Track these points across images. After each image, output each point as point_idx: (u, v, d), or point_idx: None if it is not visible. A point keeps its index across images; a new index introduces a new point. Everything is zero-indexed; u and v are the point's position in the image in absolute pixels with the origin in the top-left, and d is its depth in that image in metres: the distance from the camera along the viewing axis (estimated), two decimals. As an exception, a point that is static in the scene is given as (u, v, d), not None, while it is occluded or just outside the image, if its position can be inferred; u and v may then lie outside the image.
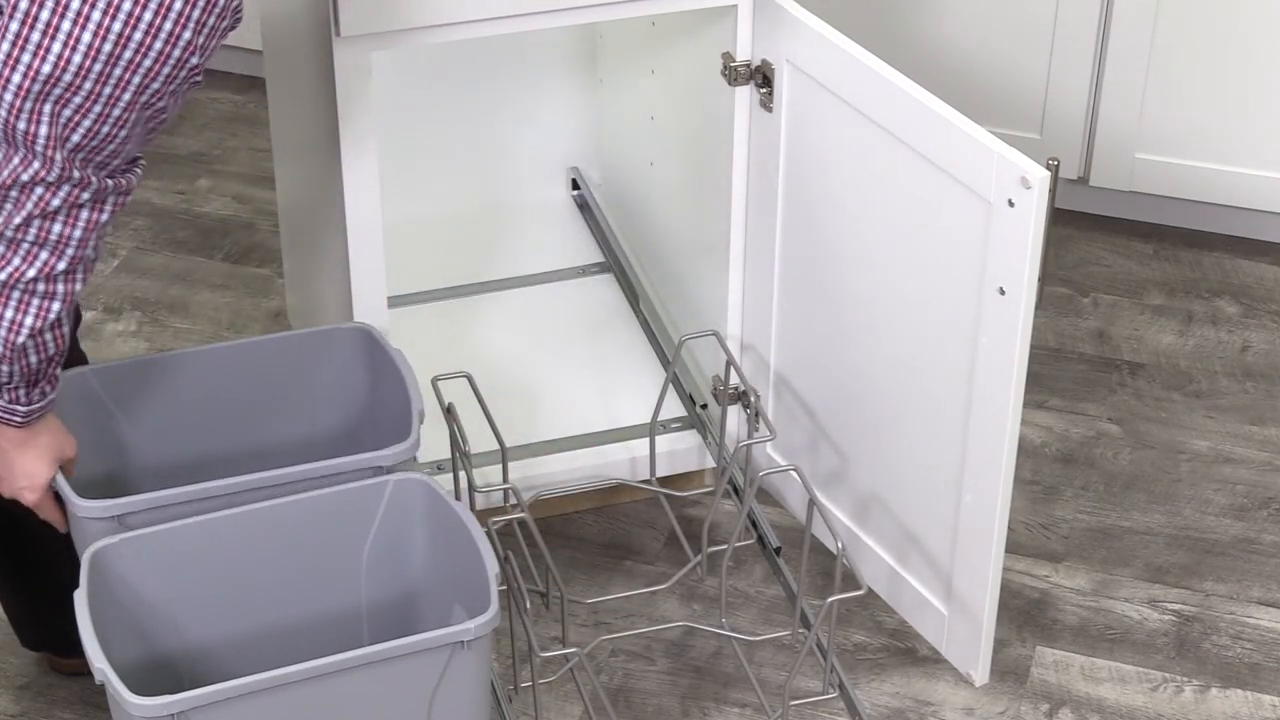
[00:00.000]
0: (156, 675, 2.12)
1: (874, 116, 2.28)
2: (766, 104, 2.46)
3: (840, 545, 2.28)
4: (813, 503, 2.35)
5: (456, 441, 2.38)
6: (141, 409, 2.31)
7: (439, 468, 2.67)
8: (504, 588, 2.21)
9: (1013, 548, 2.70)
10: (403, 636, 2.00)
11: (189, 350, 2.35)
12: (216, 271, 3.28)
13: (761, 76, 2.45)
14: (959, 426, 2.33)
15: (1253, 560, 2.71)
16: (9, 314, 1.93)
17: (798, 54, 2.37)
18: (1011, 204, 2.12)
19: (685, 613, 2.60)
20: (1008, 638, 2.58)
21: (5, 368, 1.97)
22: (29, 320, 1.93)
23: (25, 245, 1.89)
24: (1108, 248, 3.33)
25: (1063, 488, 2.83)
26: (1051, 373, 3.05)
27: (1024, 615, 2.62)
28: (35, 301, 1.92)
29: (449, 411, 2.40)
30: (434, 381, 2.47)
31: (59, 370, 2.04)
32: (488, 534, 2.15)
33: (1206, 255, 3.31)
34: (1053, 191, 2.11)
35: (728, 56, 2.47)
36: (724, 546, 2.50)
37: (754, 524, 2.61)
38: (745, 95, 2.49)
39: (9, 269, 1.90)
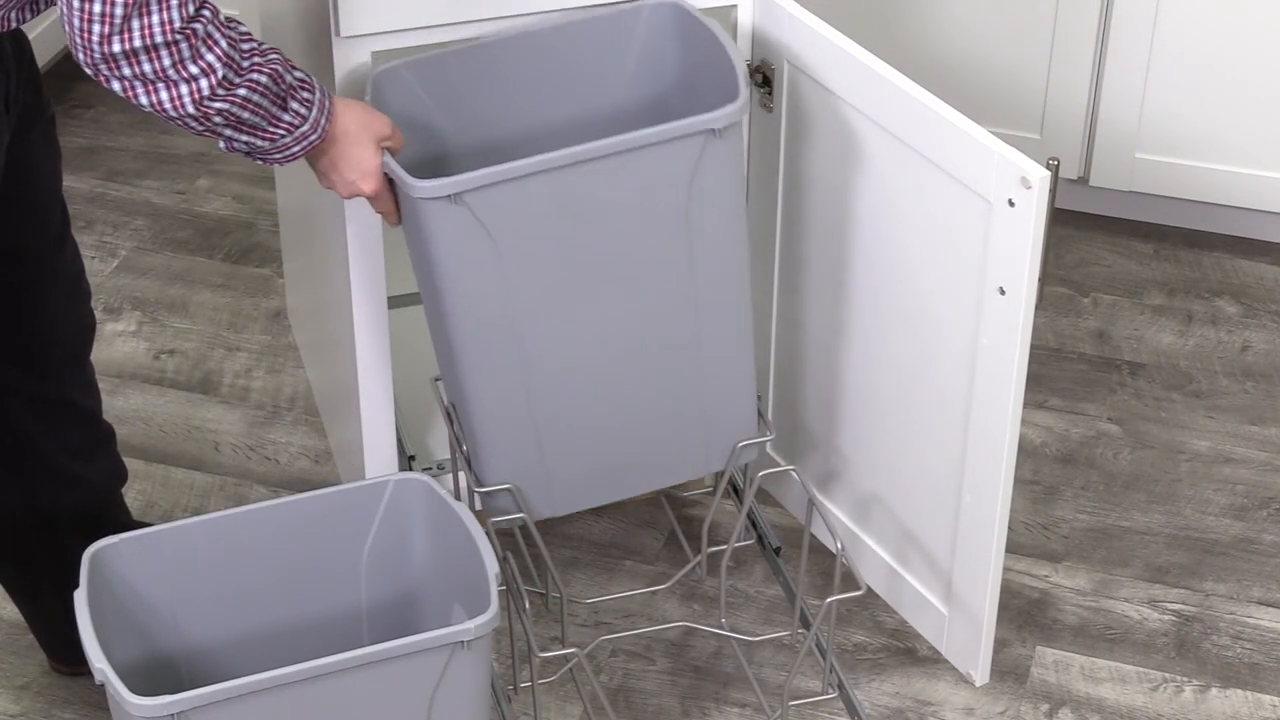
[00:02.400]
0: (156, 675, 2.12)
1: (874, 116, 2.28)
2: (766, 104, 2.46)
3: (839, 545, 2.28)
4: (812, 502, 2.35)
5: (456, 441, 2.37)
6: (455, 98, 2.34)
7: (439, 467, 2.67)
8: (504, 588, 2.21)
9: (1013, 548, 2.70)
10: (403, 637, 2.00)
11: (491, 40, 2.32)
12: (216, 271, 3.28)
13: (761, 76, 2.45)
14: (959, 426, 2.33)
15: (1253, 560, 2.71)
16: (202, 62, 1.93)
17: (798, 54, 2.37)
18: (1012, 204, 2.12)
19: (685, 613, 2.60)
20: (1008, 638, 2.58)
21: (247, 114, 1.98)
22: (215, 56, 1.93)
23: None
24: (1108, 248, 3.33)
25: (1063, 488, 2.83)
26: (1051, 373, 3.05)
27: (1024, 615, 2.62)
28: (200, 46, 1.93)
29: (449, 412, 2.39)
30: (434, 382, 2.47)
31: (297, 75, 2.03)
32: (487, 534, 2.15)
33: (1206, 255, 3.31)
34: (1053, 191, 2.11)
35: (728, 56, 2.47)
36: (724, 546, 2.50)
37: (754, 524, 2.61)
38: (745, 95, 2.48)
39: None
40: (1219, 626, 2.60)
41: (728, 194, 2.19)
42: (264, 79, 1.98)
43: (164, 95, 1.92)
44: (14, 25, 1.98)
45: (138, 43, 1.87)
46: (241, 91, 1.96)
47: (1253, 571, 2.69)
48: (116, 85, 1.91)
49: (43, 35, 3.44)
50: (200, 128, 1.98)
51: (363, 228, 2.39)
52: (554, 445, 2.29)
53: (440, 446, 2.73)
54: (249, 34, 1.99)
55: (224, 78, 1.93)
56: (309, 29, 2.42)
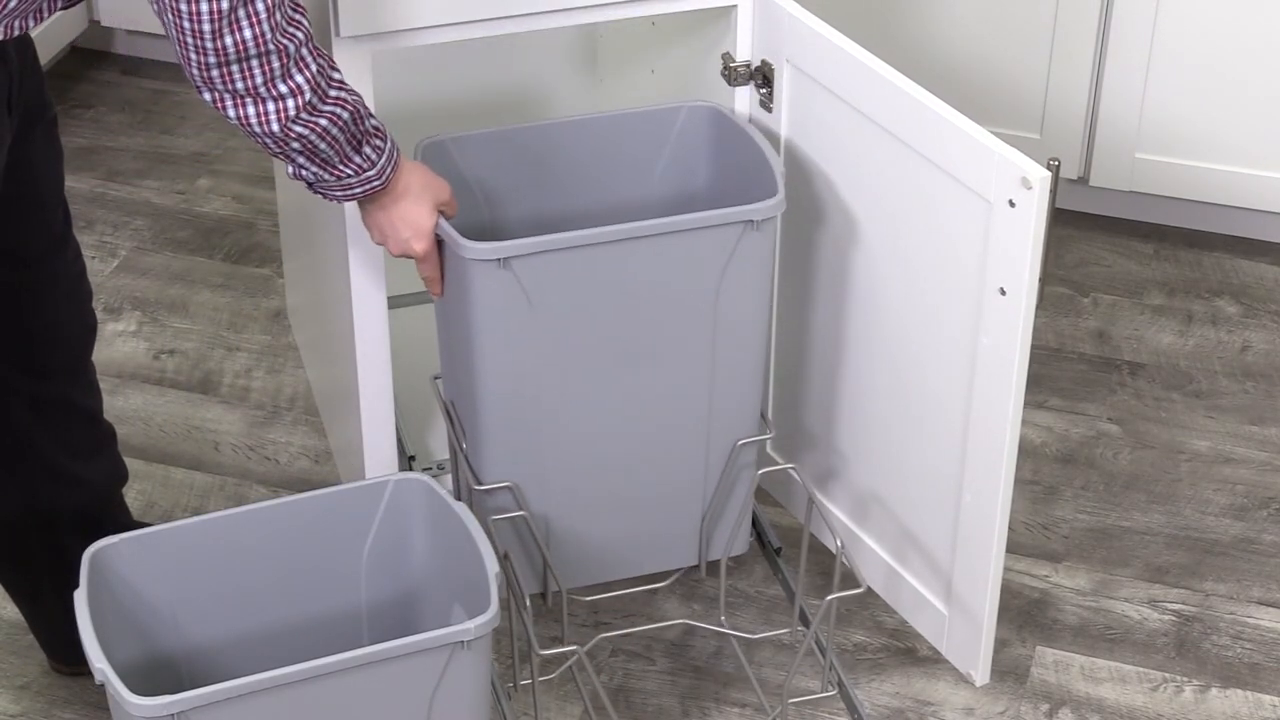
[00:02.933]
0: (157, 675, 2.12)
1: (874, 116, 2.28)
2: (766, 104, 2.46)
3: (839, 543, 2.28)
4: (811, 501, 2.35)
5: (456, 441, 2.38)
6: (493, 177, 2.45)
7: (439, 467, 2.67)
8: (505, 595, 2.21)
9: (1013, 548, 2.70)
10: (402, 637, 2.00)
11: (535, 125, 2.45)
12: (216, 271, 3.28)
13: (761, 76, 2.45)
14: (959, 426, 2.33)
15: (1253, 560, 2.71)
16: (284, 90, 1.97)
17: (798, 54, 2.37)
18: (1012, 204, 2.12)
19: (685, 612, 2.60)
20: (1008, 638, 2.58)
21: (324, 145, 2.03)
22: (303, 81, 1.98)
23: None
24: (1108, 248, 3.33)
25: (1063, 488, 2.83)
26: (1051, 373, 3.05)
27: (1024, 615, 2.62)
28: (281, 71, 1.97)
29: (449, 411, 2.40)
30: (434, 380, 2.47)
31: (373, 122, 2.09)
32: (487, 533, 2.15)
33: (1206, 255, 3.31)
34: (1053, 192, 2.10)
35: (728, 56, 2.47)
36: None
37: (754, 524, 2.61)
38: (745, 95, 2.49)
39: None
40: (1219, 626, 2.60)
41: (757, 283, 2.31)
42: (346, 115, 2.03)
43: (251, 110, 1.96)
44: (17, 32, 1.97)
45: (232, 53, 1.91)
46: (323, 121, 2.01)
47: (1253, 571, 2.69)
48: (208, 96, 1.96)
49: (44, 35, 3.44)
50: (277, 149, 2.02)
51: (363, 227, 2.39)
52: (558, 516, 2.40)
53: (440, 446, 2.73)
54: (337, 68, 2.03)
55: (309, 102, 1.98)
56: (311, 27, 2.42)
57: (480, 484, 2.32)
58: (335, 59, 2.30)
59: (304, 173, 2.08)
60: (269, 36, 1.91)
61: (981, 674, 2.48)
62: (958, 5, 3.22)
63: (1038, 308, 2.19)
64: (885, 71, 2.24)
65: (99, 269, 3.25)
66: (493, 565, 2.06)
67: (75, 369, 2.30)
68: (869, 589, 2.59)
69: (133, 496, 2.48)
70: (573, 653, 2.38)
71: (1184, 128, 3.21)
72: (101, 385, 2.40)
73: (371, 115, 2.09)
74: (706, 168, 2.46)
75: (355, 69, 2.31)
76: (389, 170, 2.12)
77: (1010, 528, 2.44)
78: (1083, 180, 3.31)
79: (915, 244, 2.30)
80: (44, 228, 2.19)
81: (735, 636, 2.55)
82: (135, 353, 3.08)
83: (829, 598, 2.26)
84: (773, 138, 2.46)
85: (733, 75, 2.47)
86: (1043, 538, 2.74)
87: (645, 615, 2.59)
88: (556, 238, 2.20)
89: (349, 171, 2.09)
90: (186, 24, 1.88)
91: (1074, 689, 2.52)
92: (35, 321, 2.22)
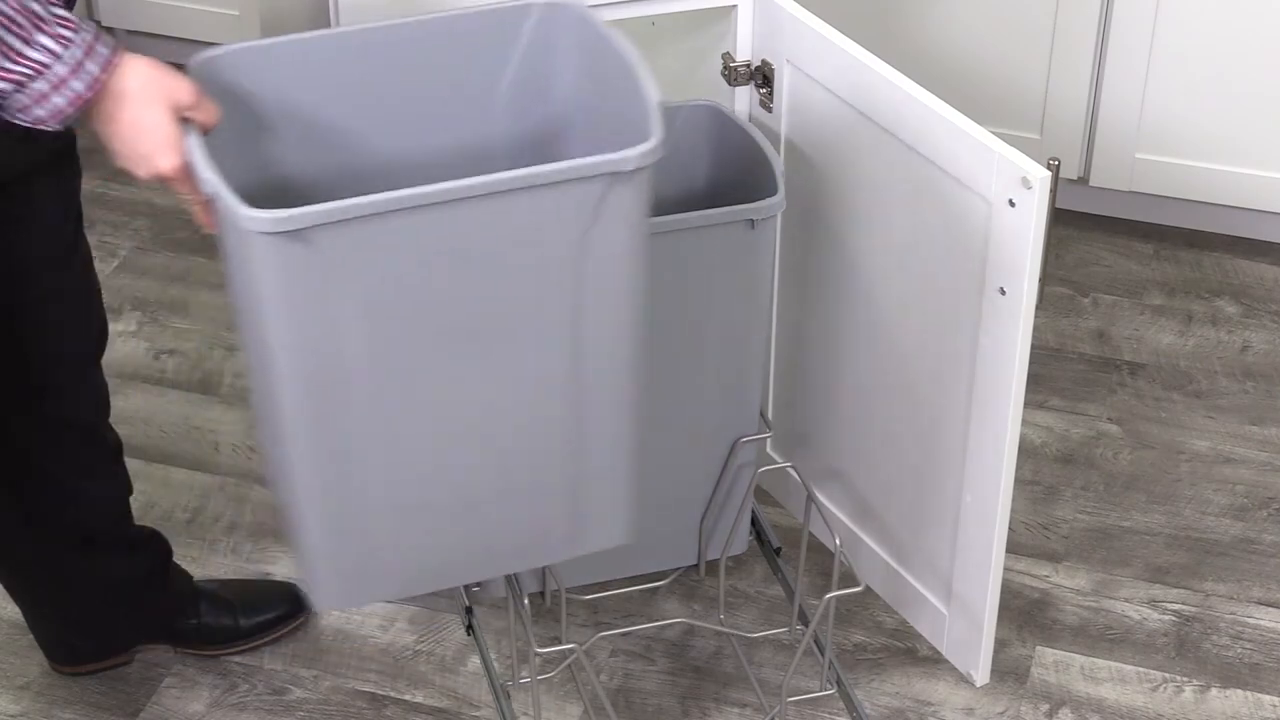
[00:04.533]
0: (275, 204, 1.78)
1: (874, 116, 2.28)
2: (766, 104, 2.46)
3: (838, 541, 2.28)
4: (810, 499, 2.35)
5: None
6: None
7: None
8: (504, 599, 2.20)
9: (1013, 548, 2.70)
10: None
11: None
12: (216, 271, 3.27)
13: (761, 76, 2.45)
14: (959, 426, 2.33)
15: (1253, 560, 2.71)
16: None
17: (798, 54, 2.37)
18: (1012, 204, 2.12)
19: (685, 612, 2.60)
20: (1008, 638, 2.58)
21: None
22: None
23: None
24: (1108, 248, 3.33)
25: (1063, 488, 2.83)
26: (1051, 373, 3.05)
27: (1024, 615, 2.62)
28: None
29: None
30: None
31: (54, 9, 1.71)
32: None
33: (1206, 255, 3.31)
34: (1053, 192, 2.11)
35: (728, 56, 2.47)
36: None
37: (754, 523, 2.61)
38: (745, 95, 2.49)
39: None
40: (1219, 626, 2.60)
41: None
42: None
43: None
44: None
45: None
46: None
47: (1253, 571, 2.69)
48: None
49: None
50: None
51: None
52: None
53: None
54: None
55: None
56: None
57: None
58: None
59: None
60: None
61: (981, 674, 2.48)
62: (958, 5, 3.22)
63: (1038, 308, 2.19)
64: (885, 71, 2.24)
65: (99, 269, 3.24)
66: (653, 95, 1.80)
67: (80, 383, 2.25)
68: (867, 588, 2.59)
69: (133, 497, 2.48)
70: (571, 652, 2.38)
71: (1184, 128, 3.21)
72: (102, 385, 2.40)
73: (52, 2, 1.71)
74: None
75: (355, 69, 2.30)
76: (92, 67, 1.72)
77: (1010, 528, 2.44)
78: (1083, 180, 3.31)
79: (915, 244, 2.30)
80: (47, 240, 2.14)
81: (735, 636, 2.55)
82: (135, 353, 3.09)
83: (828, 596, 2.26)
84: (773, 137, 2.46)
85: (733, 75, 2.47)
86: (1043, 538, 2.74)
87: (645, 615, 2.60)
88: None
89: (25, 70, 1.70)
90: None
91: (1074, 689, 2.52)
92: (37, 337, 2.18)
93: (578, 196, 1.77)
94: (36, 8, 1.70)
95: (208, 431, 2.92)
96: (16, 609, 2.49)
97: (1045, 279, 2.17)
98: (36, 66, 1.71)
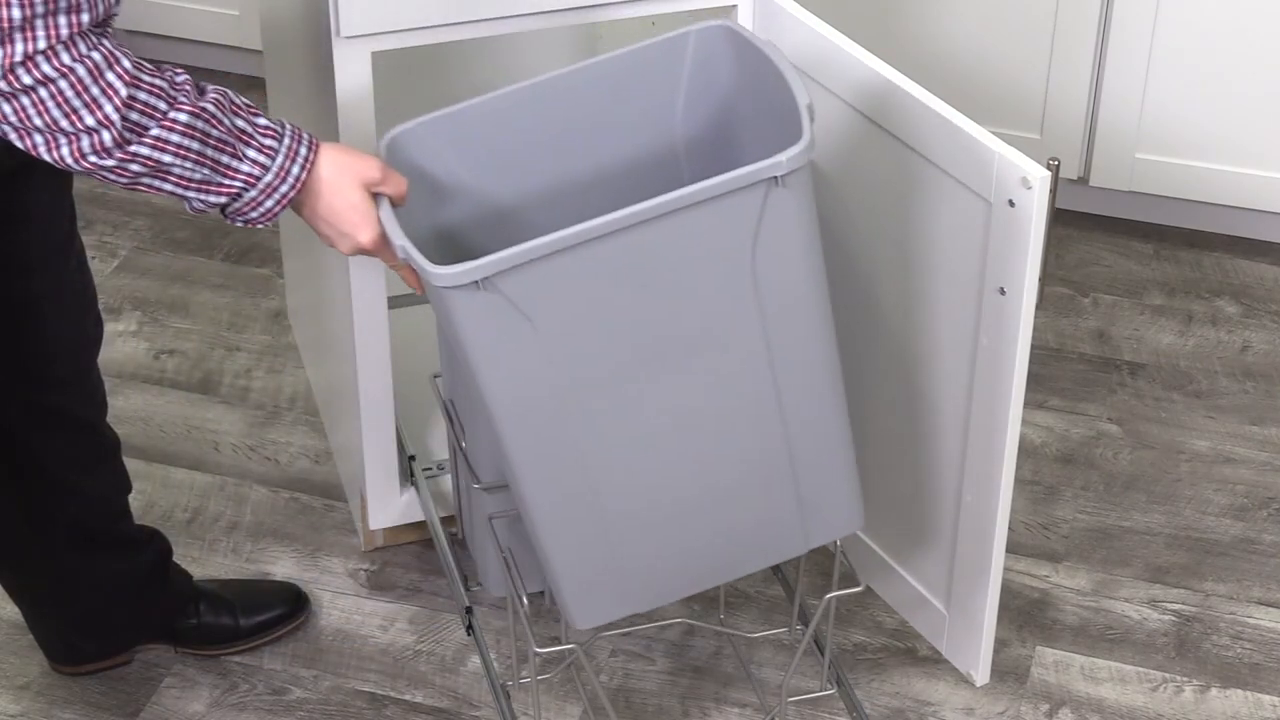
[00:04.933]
0: (455, 255, 1.93)
1: (874, 116, 2.28)
2: (767, 104, 2.46)
3: (837, 541, 2.28)
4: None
5: (456, 439, 2.37)
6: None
7: (439, 467, 2.67)
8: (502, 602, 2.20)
9: (1013, 548, 2.70)
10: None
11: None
12: (216, 271, 3.28)
13: (762, 76, 2.45)
14: (959, 427, 2.33)
15: (1253, 560, 2.71)
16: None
17: (798, 54, 2.37)
18: (1012, 204, 2.12)
19: (685, 612, 2.60)
20: (1008, 638, 2.58)
21: (179, 170, 1.83)
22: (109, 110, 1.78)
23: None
24: (1108, 248, 3.33)
25: (1063, 488, 2.83)
26: (1051, 373, 3.05)
27: (1024, 615, 2.62)
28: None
29: (448, 409, 2.39)
30: (434, 379, 2.47)
31: (262, 121, 1.88)
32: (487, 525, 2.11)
33: (1206, 255, 3.31)
34: (1053, 192, 2.11)
35: (728, 56, 2.47)
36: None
37: None
38: (745, 95, 2.49)
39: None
40: (1219, 626, 2.60)
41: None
42: (184, 118, 1.83)
43: (65, 150, 1.79)
44: None
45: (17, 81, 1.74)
46: (157, 132, 1.81)
47: (1253, 571, 2.69)
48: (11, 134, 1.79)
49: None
50: (123, 182, 1.83)
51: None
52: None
53: (440, 446, 2.73)
54: (163, 74, 1.83)
55: (122, 135, 1.79)
56: (309, 29, 2.42)
57: (479, 482, 2.32)
58: (335, 59, 2.30)
59: (191, 201, 1.89)
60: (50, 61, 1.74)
61: (981, 674, 2.48)
62: (958, 5, 3.22)
63: (1038, 308, 2.19)
64: (885, 71, 2.24)
65: (99, 269, 3.25)
66: (804, 97, 1.88)
67: (78, 379, 2.26)
68: (868, 588, 2.59)
69: (133, 497, 2.48)
70: (571, 652, 2.38)
71: (1184, 128, 3.21)
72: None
73: (246, 113, 1.87)
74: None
75: (355, 69, 2.31)
76: (295, 169, 1.89)
77: (1010, 528, 2.44)
78: (1083, 180, 3.31)
79: (915, 244, 2.30)
80: (41, 240, 2.15)
81: (735, 636, 2.55)
82: (135, 353, 3.09)
83: (828, 596, 2.26)
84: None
85: (733, 75, 2.46)
86: (1043, 538, 2.74)
87: (645, 615, 2.60)
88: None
89: (239, 184, 1.88)
90: None
91: (1074, 689, 2.52)
92: (34, 331, 2.19)
93: (740, 205, 1.86)
94: (243, 125, 1.86)
95: (208, 431, 2.92)
96: (16, 609, 2.49)
97: (1045, 279, 2.17)
98: (248, 179, 1.87)
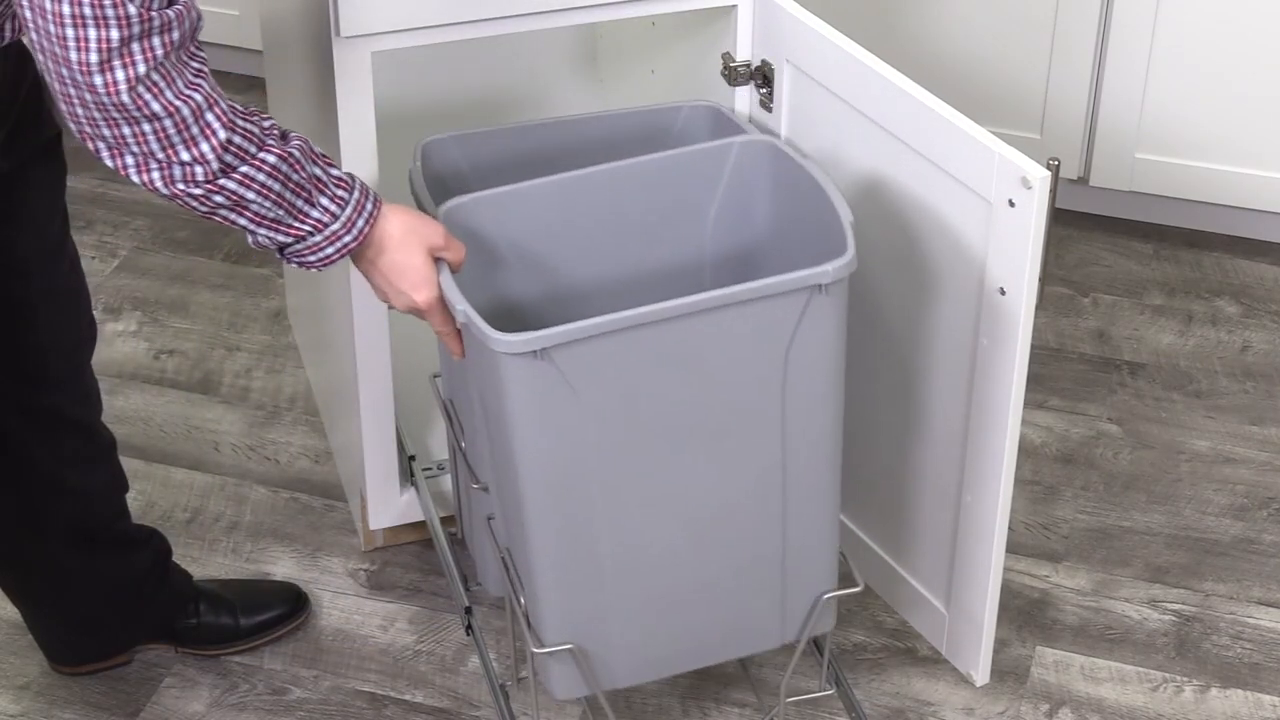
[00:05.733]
0: (506, 324, 2.05)
1: (874, 116, 2.28)
2: (766, 104, 2.46)
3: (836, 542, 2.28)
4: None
5: (455, 440, 2.37)
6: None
7: (439, 467, 2.67)
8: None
9: (1013, 548, 2.70)
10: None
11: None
12: (216, 271, 3.28)
13: (761, 76, 2.45)
14: (959, 426, 2.33)
15: (1253, 560, 2.71)
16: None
17: (798, 54, 2.37)
18: (1012, 204, 2.12)
19: (685, 613, 2.60)
20: (1008, 638, 2.58)
21: (256, 207, 1.91)
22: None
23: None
24: (1108, 248, 3.34)
25: (1063, 488, 2.83)
26: (1051, 373, 3.05)
27: (1024, 615, 2.62)
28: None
29: (448, 409, 2.40)
30: (433, 379, 2.47)
31: (334, 172, 1.96)
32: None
33: (1206, 255, 3.31)
34: (1053, 192, 2.10)
35: (728, 56, 2.47)
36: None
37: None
38: (745, 95, 2.49)
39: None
40: (1219, 626, 2.60)
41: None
42: (272, 160, 1.90)
43: (156, 175, 1.85)
44: (8, 38, 1.95)
45: (120, 112, 1.80)
46: (245, 170, 1.89)
47: (1253, 571, 2.69)
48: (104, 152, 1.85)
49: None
50: (203, 210, 1.90)
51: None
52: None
53: (440, 447, 2.73)
54: (254, 117, 1.91)
55: (216, 171, 1.86)
56: (309, 29, 2.42)
57: (478, 483, 2.32)
58: (335, 59, 2.30)
59: (258, 237, 1.96)
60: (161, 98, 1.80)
61: (981, 674, 2.48)
62: (958, 5, 3.22)
63: (1038, 308, 2.19)
64: (885, 71, 2.24)
65: (99, 269, 3.25)
66: (847, 214, 2.03)
67: (72, 379, 2.26)
68: (867, 587, 2.59)
69: (132, 497, 2.48)
70: (572, 650, 2.38)
71: (1184, 128, 3.21)
72: (101, 385, 2.39)
73: (322, 162, 1.96)
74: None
75: (355, 69, 2.31)
76: (360, 222, 1.99)
77: (1010, 528, 2.44)
78: (1083, 180, 3.31)
79: (915, 244, 2.30)
80: (35, 241, 2.16)
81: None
82: (135, 353, 3.09)
83: (826, 595, 2.26)
84: (772, 137, 2.46)
85: (733, 75, 2.47)
86: (1043, 538, 2.74)
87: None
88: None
89: (307, 228, 1.96)
90: (65, 71, 1.77)
91: (1074, 689, 2.52)
92: (25, 332, 2.19)
93: (785, 307, 2.01)
94: (319, 173, 1.95)
95: (208, 431, 2.92)
96: (16, 609, 2.49)
97: (1045, 279, 2.17)
98: (316, 224, 1.96)
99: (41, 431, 2.26)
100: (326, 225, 1.97)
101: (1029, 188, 2.10)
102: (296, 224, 1.96)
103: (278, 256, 2.01)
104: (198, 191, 1.88)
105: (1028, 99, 3.25)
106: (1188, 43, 3.13)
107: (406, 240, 2.02)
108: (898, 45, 3.20)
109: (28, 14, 1.75)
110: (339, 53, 2.30)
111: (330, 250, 1.99)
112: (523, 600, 2.20)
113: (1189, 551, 2.72)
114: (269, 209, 1.93)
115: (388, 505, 2.64)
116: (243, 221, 1.93)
